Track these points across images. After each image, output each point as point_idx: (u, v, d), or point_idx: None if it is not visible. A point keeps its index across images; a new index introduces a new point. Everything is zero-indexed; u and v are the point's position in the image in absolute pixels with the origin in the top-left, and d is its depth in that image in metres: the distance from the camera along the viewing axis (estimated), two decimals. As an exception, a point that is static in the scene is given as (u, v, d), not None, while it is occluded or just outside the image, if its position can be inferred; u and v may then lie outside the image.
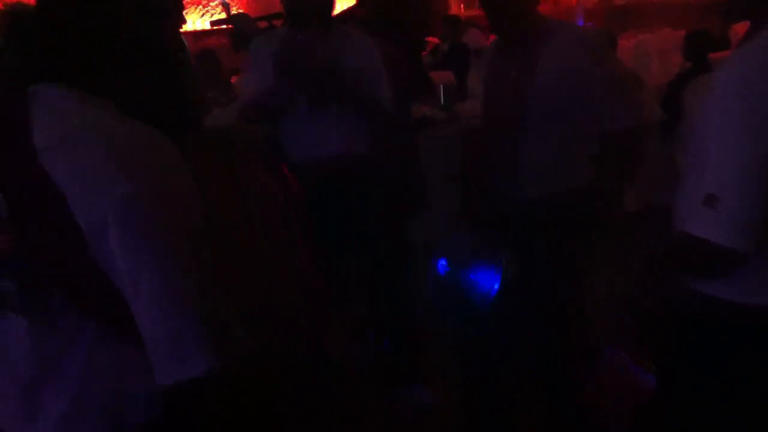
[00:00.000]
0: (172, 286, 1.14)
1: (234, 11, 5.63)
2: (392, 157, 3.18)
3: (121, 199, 1.10)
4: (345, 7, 4.43)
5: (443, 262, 3.59)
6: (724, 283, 1.61)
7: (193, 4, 12.76)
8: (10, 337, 1.18)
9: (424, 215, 3.35)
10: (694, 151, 1.58)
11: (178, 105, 1.46)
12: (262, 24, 4.16)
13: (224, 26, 5.32)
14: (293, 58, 2.85)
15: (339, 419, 3.16)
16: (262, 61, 2.98)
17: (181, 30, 3.07)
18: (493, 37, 10.90)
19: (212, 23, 5.81)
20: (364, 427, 3.16)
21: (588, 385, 2.60)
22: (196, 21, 12.72)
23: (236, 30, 4.44)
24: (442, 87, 5.87)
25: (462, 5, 14.72)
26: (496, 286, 3.45)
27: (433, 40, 10.59)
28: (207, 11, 12.65)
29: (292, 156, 3.04)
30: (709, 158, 1.50)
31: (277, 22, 3.99)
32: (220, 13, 12.54)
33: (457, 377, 3.34)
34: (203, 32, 12.34)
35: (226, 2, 5.39)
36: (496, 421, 2.85)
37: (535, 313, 2.62)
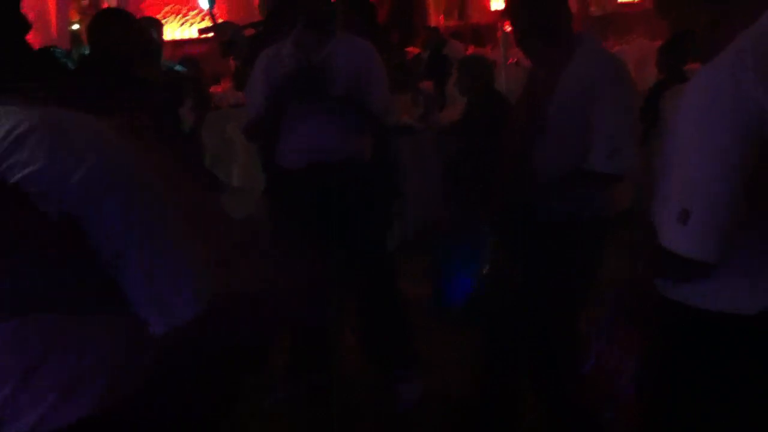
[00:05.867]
0: (163, 236, 1.23)
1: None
2: (376, 160, 3.20)
3: (89, 173, 1.15)
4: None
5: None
6: (690, 291, 1.62)
7: (173, 14, 12.73)
8: None
9: (401, 213, 3.40)
10: (667, 163, 1.58)
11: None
12: (249, 32, 4.18)
13: (210, 34, 5.41)
14: (285, 75, 2.86)
15: (334, 415, 3.20)
16: (259, 79, 3.01)
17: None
18: (472, 48, 10.89)
19: (200, 31, 5.89)
20: (357, 422, 3.21)
21: (579, 381, 2.63)
22: (175, 30, 12.70)
23: (229, 38, 4.47)
24: (422, 96, 5.93)
25: (442, 16, 14.81)
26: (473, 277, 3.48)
27: (413, 50, 10.65)
28: (186, 20, 12.64)
29: (283, 160, 3.06)
30: (681, 172, 1.51)
31: None
32: (200, 23, 12.53)
33: (451, 371, 3.39)
34: (182, 41, 12.36)
35: (212, 12, 5.42)
36: (491, 416, 2.86)
37: (530, 311, 2.62)
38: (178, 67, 3.91)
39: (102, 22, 3.19)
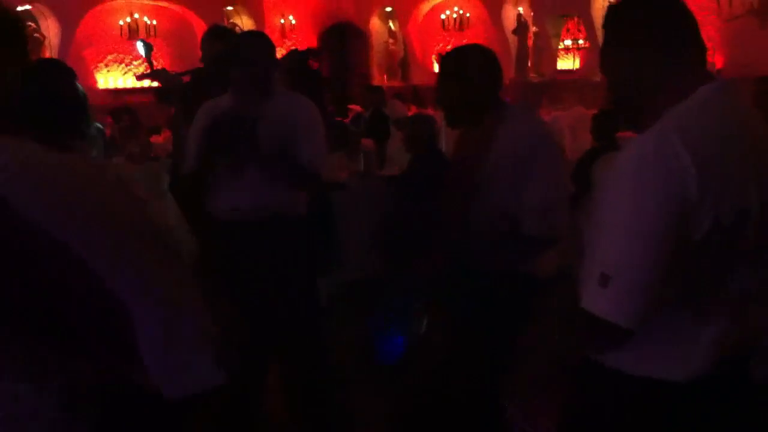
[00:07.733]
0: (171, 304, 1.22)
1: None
2: (312, 215, 3.20)
3: (81, 222, 1.15)
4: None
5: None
6: (621, 355, 1.61)
7: (116, 62, 12.67)
8: None
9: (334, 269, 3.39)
10: (594, 228, 1.60)
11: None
12: (186, 78, 4.16)
13: (147, 80, 5.34)
14: (217, 123, 2.86)
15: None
16: (196, 129, 3.01)
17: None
18: (414, 108, 10.98)
19: (138, 77, 5.83)
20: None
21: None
22: (118, 79, 12.62)
23: (162, 85, 4.40)
24: (362, 154, 5.99)
25: (385, 75, 15.05)
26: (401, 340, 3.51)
27: (355, 108, 10.78)
28: (129, 69, 12.58)
29: (215, 212, 3.05)
30: (605, 236, 1.54)
31: None
32: (145, 70, 12.46)
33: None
34: (125, 90, 12.29)
35: (150, 59, 5.37)
36: None
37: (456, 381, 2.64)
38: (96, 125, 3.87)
39: (48, 72, 3.13)
